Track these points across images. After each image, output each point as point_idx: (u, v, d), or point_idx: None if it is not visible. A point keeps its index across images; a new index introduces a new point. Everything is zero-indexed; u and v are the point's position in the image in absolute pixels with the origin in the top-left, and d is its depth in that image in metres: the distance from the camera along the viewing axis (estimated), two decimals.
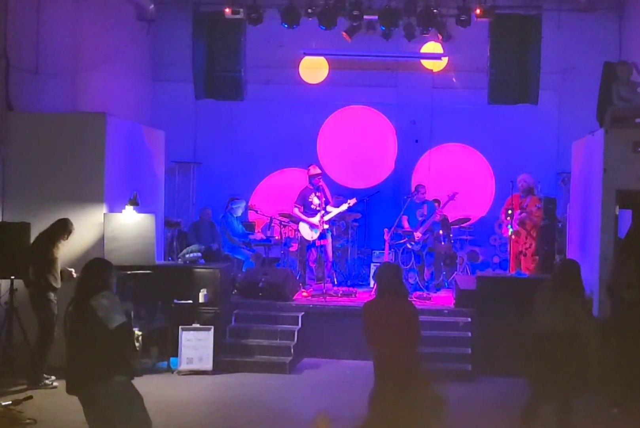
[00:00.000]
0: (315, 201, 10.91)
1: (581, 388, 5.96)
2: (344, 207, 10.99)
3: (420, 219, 11.25)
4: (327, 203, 11.02)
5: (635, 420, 7.17)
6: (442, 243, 11.59)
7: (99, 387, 5.03)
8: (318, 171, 11.07)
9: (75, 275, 8.10)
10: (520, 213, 10.51)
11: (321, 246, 10.92)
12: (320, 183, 10.98)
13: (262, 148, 13.42)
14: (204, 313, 9.18)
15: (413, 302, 6.26)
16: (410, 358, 5.71)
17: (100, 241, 8.94)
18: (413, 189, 11.82)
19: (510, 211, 10.50)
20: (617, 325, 7.65)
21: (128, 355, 5.35)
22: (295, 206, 11.00)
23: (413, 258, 11.20)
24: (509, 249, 10.61)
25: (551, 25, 12.11)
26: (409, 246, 11.19)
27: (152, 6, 12.57)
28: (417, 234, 11.14)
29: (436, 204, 11.65)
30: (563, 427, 6.01)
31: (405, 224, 11.30)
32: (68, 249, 8.84)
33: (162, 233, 10.87)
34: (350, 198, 11.06)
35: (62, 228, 8.36)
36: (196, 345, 8.84)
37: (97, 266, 5.40)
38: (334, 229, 11.63)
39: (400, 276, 6.01)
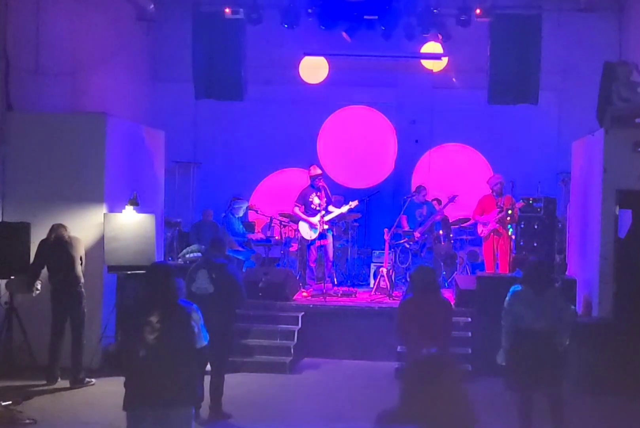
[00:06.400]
0: (316, 201, 10.90)
1: (557, 382, 6.17)
2: (345, 208, 10.97)
3: (419, 219, 11.25)
4: (328, 203, 11.01)
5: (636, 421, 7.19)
6: (442, 243, 11.59)
7: (180, 409, 4.44)
8: (318, 171, 11.06)
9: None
10: (499, 212, 10.55)
11: (321, 246, 10.90)
12: (320, 183, 10.97)
13: (262, 148, 13.42)
14: None
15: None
16: (445, 351, 5.98)
17: (100, 241, 8.94)
18: (413, 189, 11.81)
19: (510, 211, 10.51)
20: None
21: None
22: (296, 205, 10.99)
23: (410, 258, 11.22)
24: (484, 250, 10.96)
25: (551, 25, 12.06)
26: (407, 245, 11.21)
27: (152, 6, 12.57)
28: (416, 235, 11.14)
29: (434, 201, 11.65)
30: (558, 423, 6.16)
31: (405, 224, 11.31)
32: None
33: (162, 233, 10.86)
34: (352, 200, 11.05)
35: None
36: None
37: (167, 272, 4.63)
38: (334, 230, 11.61)
39: (436, 276, 6.60)
